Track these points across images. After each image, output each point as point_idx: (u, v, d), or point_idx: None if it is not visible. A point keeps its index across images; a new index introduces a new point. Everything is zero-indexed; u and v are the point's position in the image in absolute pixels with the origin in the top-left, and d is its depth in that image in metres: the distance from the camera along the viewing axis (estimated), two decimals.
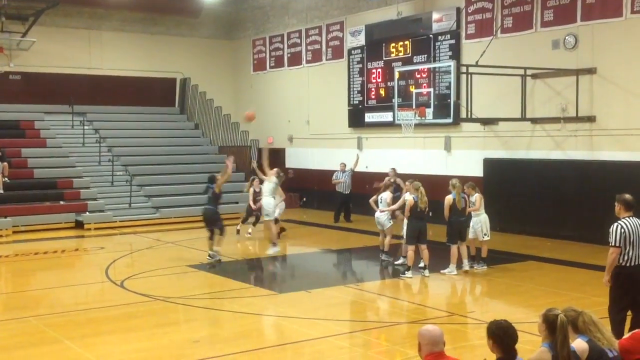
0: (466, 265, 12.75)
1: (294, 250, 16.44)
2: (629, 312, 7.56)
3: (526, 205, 16.88)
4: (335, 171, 20.59)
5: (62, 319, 9.94)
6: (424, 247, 12.55)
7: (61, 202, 19.84)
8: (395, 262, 13.46)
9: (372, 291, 11.74)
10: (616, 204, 7.61)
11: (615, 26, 15.22)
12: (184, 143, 24.37)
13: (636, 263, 7.44)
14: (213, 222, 14.23)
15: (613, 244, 7.42)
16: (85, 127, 23.08)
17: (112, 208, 20.16)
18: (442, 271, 12.51)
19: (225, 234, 14.54)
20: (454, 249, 12.58)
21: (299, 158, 24.33)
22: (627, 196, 7.59)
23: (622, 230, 7.36)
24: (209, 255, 14.04)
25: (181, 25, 26.44)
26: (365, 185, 19.51)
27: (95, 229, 19.09)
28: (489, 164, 17.87)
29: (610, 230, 7.46)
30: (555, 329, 4.67)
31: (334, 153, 22.58)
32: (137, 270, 13.44)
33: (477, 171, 17.96)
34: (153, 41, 25.95)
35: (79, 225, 19.29)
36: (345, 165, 20.12)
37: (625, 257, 7.40)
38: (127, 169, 21.84)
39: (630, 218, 7.47)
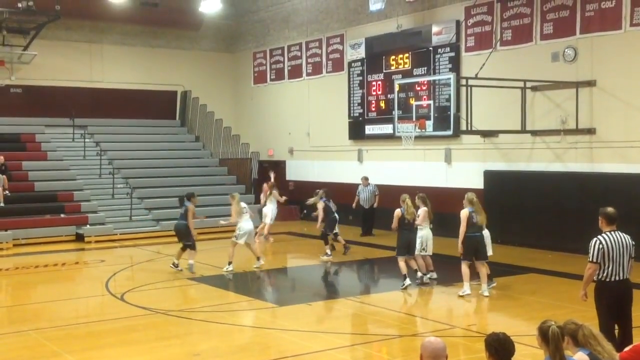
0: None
1: (294, 262, 16.43)
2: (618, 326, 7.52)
3: (527, 217, 16.87)
4: (358, 184, 19.99)
5: (62, 332, 9.92)
6: (412, 257, 12.61)
7: (62, 215, 19.82)
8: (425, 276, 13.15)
9: (373, 304, 11.72)
10: (599, 217, 7.57)
11: (614, 39, 15.27)
12: (184, 156, 24.40)
13: (617, 278, 7.34)
14: (184, 237, 14.44)
15: (590, 259, 7.38)
16: (86, 140, 23.12)
17: (112, 221, 20.15)
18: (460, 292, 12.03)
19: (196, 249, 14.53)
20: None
21: (299, 170, 24.35)
22: (609, 209, 7.53)
23: (601, 246, 7.30)
24: (173, 264, 14.28)
25: (182, 38, 26.55)
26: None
27: (96, 241, 19.08)
28: (489, 176, 17.88)
29: (590, 244, 7.43)
30: (549, 341, 4.68)
31: (335, 165, 22.61)
32: (137, 283, 13.42)
33: (478, 183, 17.96)
34: (154, 54, 26.05)
35: (79, 238, 19.27)
36: (367, 179, 19.53)
37: (605, 273, 7.33)
38: (127, 181, 21.85)
39: (612, 232, 7.41)
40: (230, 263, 14.44)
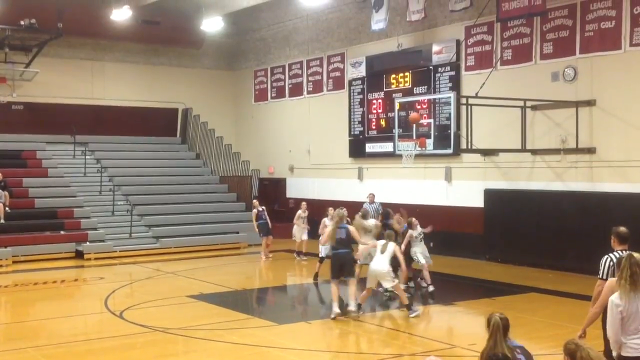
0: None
1: (294, 280, 16.39)
2: None
3: (527, 236, 16.84)
4: (358, 202, 20.03)
5: (61, 349, 9.87)
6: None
7: (61, 232, 19.79)
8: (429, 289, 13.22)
9: (373, 323, 11.67)
10: (611, 236, 7.59)
11: (614, 59, 15.34)
12: (185, 173, 24.42)
13: None
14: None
15: (600, 276, 7.38)
16: (87, 157, 23.15)
17: (112, 238, 20.13)
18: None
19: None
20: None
21: (299, 188, 24.35)
22: (621, 229, 7.55)
23: (611, 263, 7.29)
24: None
25: (183, 56, 26.67)
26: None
27: (95, 258, 19.04)
28: (489, 194, 17.87)
29: (600, 262, 7.43)
30: (576, 359, 4.87)
31: (335, 183, 22.62)
32: (136, 300, 13.38)
33: (478, 202, 17.97)
34: (155, 72, 26.16)
35: (79, 255, 19.24)
36: (373, 196, 19.26)
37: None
38: (127, 198, 21.84)
39: (624, 252, 7.42)
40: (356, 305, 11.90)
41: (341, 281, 11.69)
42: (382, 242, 11.90)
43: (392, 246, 11.80)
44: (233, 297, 14.10)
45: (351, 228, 11.89)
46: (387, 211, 14.23)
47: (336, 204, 20.13)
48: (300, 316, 12.76)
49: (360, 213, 13.86)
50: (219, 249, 20.67)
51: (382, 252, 11.70)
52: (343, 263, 11.65)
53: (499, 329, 5.29)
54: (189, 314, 12.35)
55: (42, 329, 11.50)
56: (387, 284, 11.82)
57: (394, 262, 11.99)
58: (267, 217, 19.11)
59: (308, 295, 15.04)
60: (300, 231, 18.60)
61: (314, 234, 17.46)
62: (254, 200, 19.95)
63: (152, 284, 15.51)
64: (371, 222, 13.55)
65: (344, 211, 12.10)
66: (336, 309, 11.44)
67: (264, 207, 19.27)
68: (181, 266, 17.76)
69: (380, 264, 11.63)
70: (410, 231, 13.61)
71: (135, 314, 12.04)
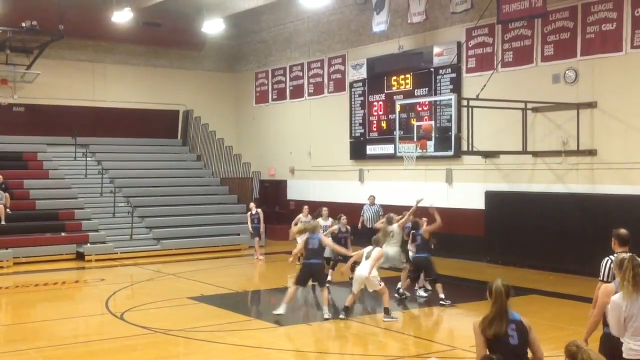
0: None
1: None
2: None
3: (528, 238, 16.84)
4: (358, 204, 19.85)
5: (62, 351, 9.87)
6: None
7: (62, 234, 19.80)
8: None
9: (373, 324, 11.66)
10: (612, 238, 7.61)
11: (615, 61, 15.34)
12: (186, 175, 24.42)
13: None
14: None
15: (601, 278, 7.40)
16: (88, 159, 23.16)
17: (113, 239, 20.13)
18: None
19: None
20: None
21: (300, 190, 24.36)
22: (622, 231, 7.56)
23: (612, 266, 7.32)
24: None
25: (184, 58, 26.69)
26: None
27: (96, 260, 19.04)
28: (490, 196, 17.87)
29: (601, 264, 7.45)
30: None
31: (336, 185, 22.62)
32: (137, 302, 13.38)
33: (479, 204, 17.97)
34: (156, 74, 26.17)
35: (79, 256, 19.24)
36: (374, 198, 19.18)
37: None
38: (128, 200, 21.85)
39: (624, 254, 7.43)
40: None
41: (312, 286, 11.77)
42: (369, 248, 11.86)
43: (376, 251, 11.76)
44: (234, 299, 14.09)
45: (322, 237, 12.05)
46: (416, 221, 14.14)
47: (337, 206, 20.21)
48: (300, 318, 12.75)
49: (385, 219, 13.91)
50: (219, 251, 20.68)
51: (367, 257, 11.69)
52: (314, 273, 11.91)
53: (501, 295, 5.39)
54: (189, 316, 12.34)
55: (42, 330, 11.51)
56: (372, 288, 11.75)
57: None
58: (260, 220, 19.23)
59: (308, 297, 15.02)
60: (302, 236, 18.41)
61: None
62: (251, 203, 20.06)
63: (153, 285, 15.51)
64: (395, 227, 13.50)
65: (318, 221, 12.25)
66: (282, 310, 11.47)
67: (258, 210, 19.32)
68: (182, 268, 17.77)
69: (365, 270, 11.61)
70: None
71: (136, 315, 12.04)
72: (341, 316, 11.67)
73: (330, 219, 16.57)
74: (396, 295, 13.14)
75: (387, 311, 11.61)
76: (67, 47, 24.10)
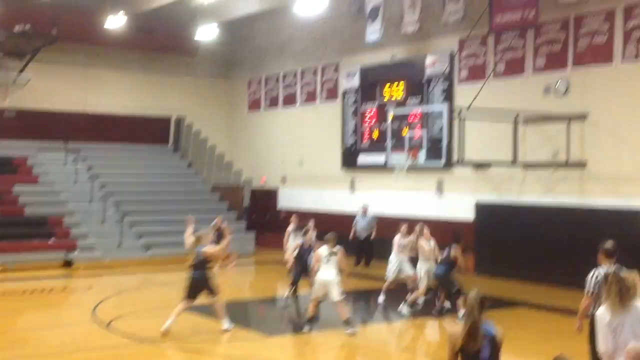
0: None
1: (284, 292, 16.28)
2: None
3: (517, 250, 16.82)
4: (350, 214, 19.67)
5: None
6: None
7: (51, 240, 19.62)
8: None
9: (362, 336, 11.60)
10: (598, 252, 7.64)
11: (606, 73, 15.39)
12: (177, 182, 24.35)
13: None
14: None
15: (586, 292, 7.44)
16: (79, 165, 23.03)
17: (102, 247, 20.01)
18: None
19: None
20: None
21: (291, 198, 24.30)
22: (608, 244, 7.62)
23: (598, 279, 7.34)
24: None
25: (178, 64, 26.63)
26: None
27: (84, 268, 18.91)
28: (480, 208, 17.86)
29: (587, 277, 7.48)
30: None
31: (326, 194, 22.58)
32: (124, 311, 13.27)
33: (469, 215, 17.96)
34: (149, 80, 26.10)
35: (68, 263, 19.11)
36: (367, 209, 18.97)
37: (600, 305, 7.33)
38: (118, 206, 21.74)
39: (611, 266, 7.43)
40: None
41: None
42: (325, 248, 11.26)
43: (340, 251, 11.34)
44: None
45: (206, 249, 11.29)
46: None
47: (327, 216, 20.19)
48: (289, 328, 12.69)
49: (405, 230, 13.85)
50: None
51: (327, 262, 11.19)
52: (197, 285, 11.14)
53: (473, 309, 5.36)
54: (177, 326, 12.22)
55: (29, 338, 11.40)
56: (334, 294, 11.16)
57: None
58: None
59: (297, 307, 14.95)
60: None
61: None
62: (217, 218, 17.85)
63: (141, 294, 15.42)
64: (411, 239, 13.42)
65: (205, 232, 11.70)
66: (167, 325, 10.79)
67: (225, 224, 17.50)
68: (171, 276, 17.63)
69: (327, 274, 11.14)
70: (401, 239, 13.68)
71: (123, 324, 11.93)
72: (306, 329, 11.25)
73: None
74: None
75: (348, 322, 11.15)
76: (60, 52, 23.96)
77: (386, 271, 13.96)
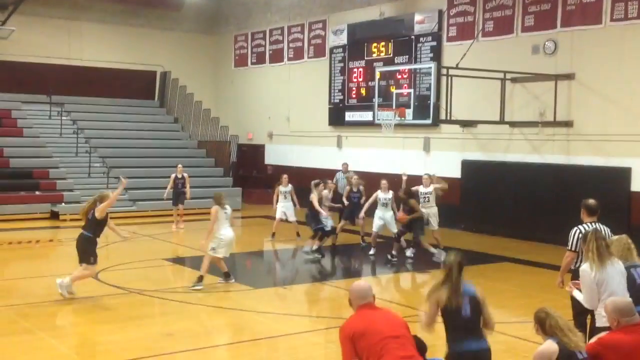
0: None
1: (271, 246, 16.44)
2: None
3: (502, 207, 17.03)
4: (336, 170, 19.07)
5: (35, 309, 9.86)
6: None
7: (37, 193, 19.64)
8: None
9: (347, 288, 11.76)
10: (581, 209, 7.75)
11: (594, 33, 15.41)
12: (162, 137, 24.24)
13: None
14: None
15: (569, 248, 7.58)
16: (63, 118, 22.87)
17: (88, 199, 19.90)
18: None
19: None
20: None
21: (278, 155, 24.32)
22: (591, 201, 7.71)
23: (580, 235, 7.46)
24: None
25: (163, 18, 26.30)
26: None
27: (71, 219, 18.90)
28: (466, 165, 18.00)
29: (570, 234, 7.60)
30: (545, 327, 5.03)
31: (314, 151, 22.62)
32: (112, 262, 13.33)
33: (455, 172, 18.09)
34: (134, 33, 25.78)
35: (54, 215, 19.12)
36: (347, 166, 18.35)
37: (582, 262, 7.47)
38: (104, 160, 21.67)
39: (592, 224, 7.55)
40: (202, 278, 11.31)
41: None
42: (228, 208, 11.29)
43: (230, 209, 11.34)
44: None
45: (96, 209, 11.02)
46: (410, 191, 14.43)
47: (314, 172, 20.23)
48: (276, 281, 12.84)
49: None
50: (196, 214, 20.59)
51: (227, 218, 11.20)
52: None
53: (452, 270, 5.48)
54: (165, 277, 12.37)
55: (16, 288, 11.46)
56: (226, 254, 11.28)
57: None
58: (186, 186, 17.78)
59: (285, 260, 15.11)
60: (284, 209, 16.40)
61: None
62: (179, 165, 18.43)
63: (128, 246, 15.45)
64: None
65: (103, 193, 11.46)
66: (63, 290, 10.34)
67: (185, 175, 17.88)
68: (158, 229, 17.74)
69: (231, 232, 11.29)
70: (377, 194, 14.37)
71: (111, 275, 12.02)
72: (198, 287, 11.00)
73: (290, 185, 16.25)
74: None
75: (227, 275, 11.38)
76: (43, 4, 23.62)
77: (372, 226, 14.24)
